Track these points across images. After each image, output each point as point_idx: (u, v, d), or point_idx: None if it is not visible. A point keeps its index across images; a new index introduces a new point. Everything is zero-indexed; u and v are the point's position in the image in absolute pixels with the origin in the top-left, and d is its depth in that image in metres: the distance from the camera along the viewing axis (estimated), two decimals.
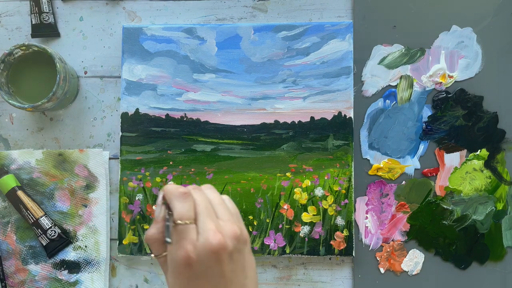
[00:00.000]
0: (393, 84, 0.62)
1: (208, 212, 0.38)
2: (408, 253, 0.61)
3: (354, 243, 0.61)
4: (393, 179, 0.62)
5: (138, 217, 0.62)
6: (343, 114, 0.62)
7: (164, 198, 0.40)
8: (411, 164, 0.62)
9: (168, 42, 0.62)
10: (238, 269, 0.38)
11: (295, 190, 0.61)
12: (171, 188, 0.39)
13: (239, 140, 0.62)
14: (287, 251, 0.61)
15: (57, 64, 0.56)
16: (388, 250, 0.61)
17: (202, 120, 0.62)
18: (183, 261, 0.36)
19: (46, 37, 0.64)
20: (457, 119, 0.62)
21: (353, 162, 0.61)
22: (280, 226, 0.61)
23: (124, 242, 0.61)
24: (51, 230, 0.61)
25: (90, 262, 0.62)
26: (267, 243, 0.61)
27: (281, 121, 0.62)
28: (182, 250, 0.36)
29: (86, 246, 0.62)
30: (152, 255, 0.40)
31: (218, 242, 0.36)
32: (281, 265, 0.62)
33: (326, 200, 0.61)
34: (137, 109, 0.62)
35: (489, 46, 0.62)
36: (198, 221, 0.37)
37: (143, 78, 0.62)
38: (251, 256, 0.40)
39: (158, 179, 0.62)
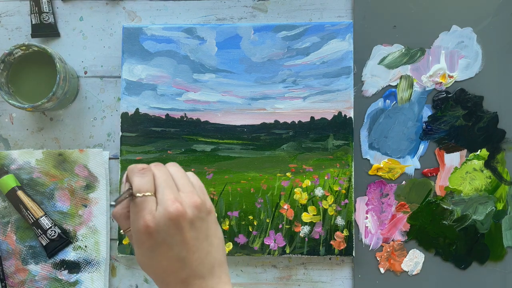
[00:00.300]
0: (393, 84, 0.62)
1: (168, 184, 0.39)
2: (408, 253, 0.61)
3: (354, 243, 0.61)
4: (393, 179, 0.62)
5: None
6: (343, 114, 0.62)
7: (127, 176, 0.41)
8: (411, 164, 0.62)
9: (168, 42, 0.62)
10: (201, 236, 0.39)
11: (295, 190, 0.61)
12: (132, 166, 0.41)
13: (239, 140, 0.62)
14: (287, 251, 0.61)
15: (57, 64, 0.56)
16: (388, 250, 0.61)
17: (202, 120, 0.62)
18: (143, 230, 0.38)
19: (46, 37, 0.64)
20: (457, 119, 0.62)
21: (353, 162, 0.61)
22: (280, 226, 0.61)
23: (124, 242, 0.61)
24: (51, 230, 0.61)
25: (90, 262, 0.62)
26: (267, 243, 0.61)
27: (281, 121, 0.62)
28: (141, 220, 0.38)
29: (86, 246, 0.62)
30: (121, 231, 0.41)
31: (176, 210, 0.38)
32: (281, 265, 0.62)
33: (326, 200, 0.61)
34: (137, 109, 0.62)
35: (489, 46, 0.62)
36: (157, 192, 0.39)
37: (143, 78, 0.62)
38: (217, 226, 0.41)
39: None
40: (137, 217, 0.39)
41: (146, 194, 0.39)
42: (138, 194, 0.39)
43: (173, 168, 0.42)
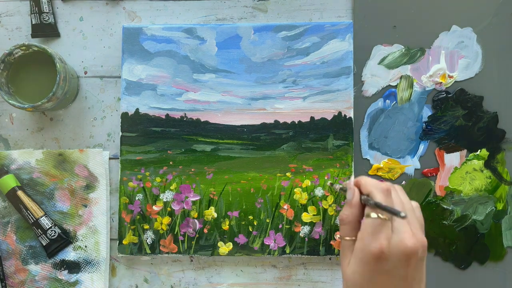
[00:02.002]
0: (393, 84, 0.62)
1: None
2: None
3: None
4: (393, 179, 0.62)
5: (138, 217, 0.62)
6: (343, 114, 0.62)
7: (357, 184, 0.41)
8: (411, 164, 0.62)
9: (168, 42, 0.62)
10: (417, 278, 0.39)
11: (295, 190, 0.61)
12: (372, 180, 0.41)
13: (239, 140, 0.62)
14: (287, 251, 0.61)
15: (57, 64, 0.56)
16: None
17: (202, 120, 0.62)
18: (375, 254, 0.38)
19: (46, 37, 0.64)
20: (457, 119, 0.62)
21: (353, 162, 0.61)
22: (280, 226, 0.61)
23: (124, 242, 0.61)
24: (51, 230, 0.61)
25: (90, 262, 0.62)
26: (267, 243, 0.61)
27: (281, 121, 0.62)
28: (377, 243, 0.38)
29: (86, 246, 0.62)
30: (338, 235, 0.42)
31: (413, 246, 0.37)
32: (281, 265, 0.62)
33: (326, 200, 0.61)
34: (137, 109, 0.62)
35: (489, 46, 0.62)
36: (394, 220, 0.39)
37: (143, 78, 0.62)
38: (425, 269, 0.41)
39: (158, 179, 0.62)
40: (373, 238, 0.38)
41: (387, 218, 0.39)
42: (381, 216, 0.38)
43: (404, 197, 0.42)
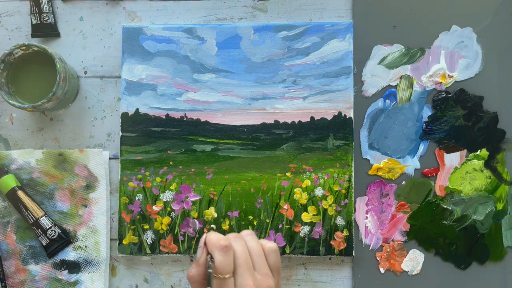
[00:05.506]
0: (393, 84, 0.62)
1: (247, 266, 0.40)
2: (408, 253, 0.61)
3: (354, 243, 0.61)
4: (393, 179, 0.62)
5: (138, 217, 0.62)
6: (343, 114, 0.62)
7: (205, 243, 0.41)
8: (411, 164, 0.62)
9: (168, 42, 0.62)
10: None
11: (295, 190, 0.61)
12: (213, 238, 0.41)
13: (239, 140, 0.62)
14: (287, 251, 0.61)
15: (57, 64, 0.56)
16: (388, 250, 0.61)
17: (202, 120, 0.62)
18: None
19: (46, 37, 0.64)
20: (457, 119, 0.62)
21: (353, 162, 0.61)
22: (280, 226, 0.61)
23: (124, 242, 0.61)
24: (51, 230, 0.61)
25: (90, 262, 0.62)
26: None
27: (281, 121, 0.62)
28: None
29: (86, 246, 0.62)
30: None
31: None
32: (281, 265, 0.62)
33: (326, 200, 0.61)
34: (137, 109, 0.62)
35: (489, 46, 0.62)
36: (237, 275, 0.40)
37: (143, 78, 0.62)
38: None
39: (158, 179, 0.62)
40: None
41: (227, 276, 0.40)
42: (220, 276, 0.40)
43: (252, 242, 0.42)
